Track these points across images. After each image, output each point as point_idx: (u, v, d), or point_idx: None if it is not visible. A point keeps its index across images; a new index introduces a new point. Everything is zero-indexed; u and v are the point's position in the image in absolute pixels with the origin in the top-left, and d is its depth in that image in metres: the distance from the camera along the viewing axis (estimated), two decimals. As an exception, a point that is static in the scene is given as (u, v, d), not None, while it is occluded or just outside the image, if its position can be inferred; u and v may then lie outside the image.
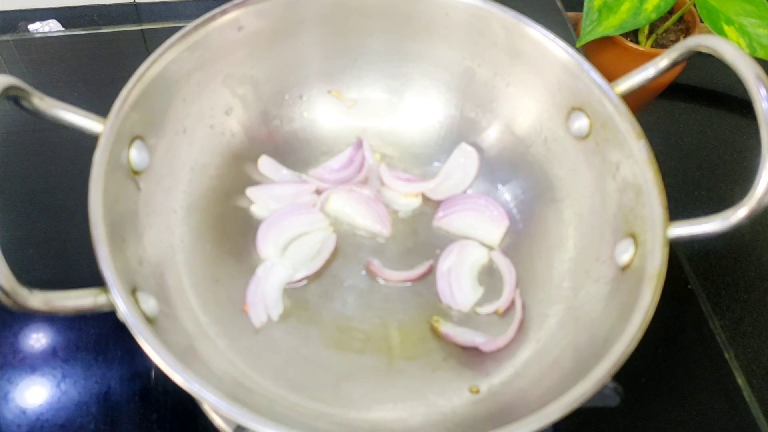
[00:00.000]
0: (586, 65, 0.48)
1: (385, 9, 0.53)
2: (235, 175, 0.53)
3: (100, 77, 0.65)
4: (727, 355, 0.53)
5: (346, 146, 0.56)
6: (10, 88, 0.37)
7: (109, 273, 0.36)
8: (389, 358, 0.47)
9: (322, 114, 0.57)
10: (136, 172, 0.43)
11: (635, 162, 0.44)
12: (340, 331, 0.48)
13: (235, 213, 0.52)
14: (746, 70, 0.39)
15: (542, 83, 0.51)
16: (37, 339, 0.50)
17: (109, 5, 0.76)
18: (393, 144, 0.57)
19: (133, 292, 0.38)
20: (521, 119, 0.53)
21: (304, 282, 0.50)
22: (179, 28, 0.47)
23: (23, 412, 0.47)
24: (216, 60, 0.50)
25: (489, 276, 0.52)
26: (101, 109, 0.42)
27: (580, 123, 0.49)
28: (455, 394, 0.45)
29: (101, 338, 0.50)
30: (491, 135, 0.55)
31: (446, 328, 0.48)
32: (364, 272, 0.51)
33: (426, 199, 0.55)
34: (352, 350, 0.47)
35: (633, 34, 0.75)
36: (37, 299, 0.34)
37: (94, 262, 0.37)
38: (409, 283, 0.51)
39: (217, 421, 0.46)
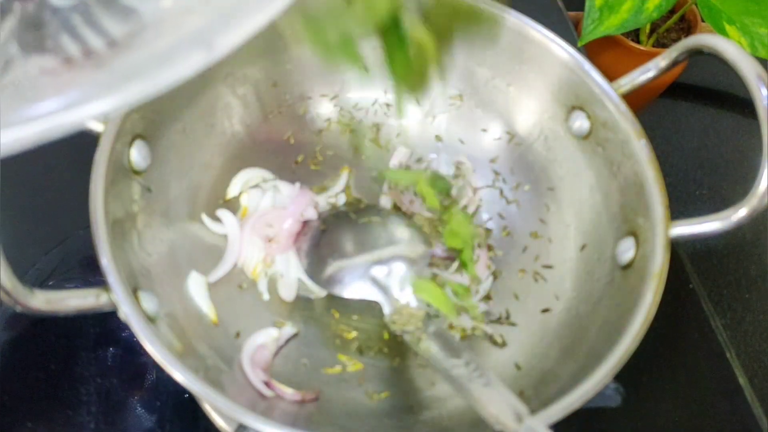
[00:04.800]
0: (587, 65, 0.48)
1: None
2: (236, 175, 0.53)
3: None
4: (728, 355, 0.53)
5: (347, 147, 0.56)
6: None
7: (110, 272, 0.36)
8: (390, 360, 0.47)
9: (324, 115, 0.57)
10: (136, 172, 0.43)
11: (636, 161, 0.44)
12: (341, 332, 0.48)
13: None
14: (747, 69, 0.39)
15: (543, 83, 0.51)
16: (37, 337, 0.50)
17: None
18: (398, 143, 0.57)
19: (135, 291, 0.38)
20: (522, 118, 0.53)
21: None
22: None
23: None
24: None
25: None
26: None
27: (581, 122, 0.49)
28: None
29: (101, 337, 0.50)
30: (491, 134, 0.55)
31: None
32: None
33: None
34: (353, 352, 0.47)
35: (634, 34, 0.75)
36: (39, 299, 0.34)
37: (95, 261, 0.37)
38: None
39: (218, 421, 0.46)
